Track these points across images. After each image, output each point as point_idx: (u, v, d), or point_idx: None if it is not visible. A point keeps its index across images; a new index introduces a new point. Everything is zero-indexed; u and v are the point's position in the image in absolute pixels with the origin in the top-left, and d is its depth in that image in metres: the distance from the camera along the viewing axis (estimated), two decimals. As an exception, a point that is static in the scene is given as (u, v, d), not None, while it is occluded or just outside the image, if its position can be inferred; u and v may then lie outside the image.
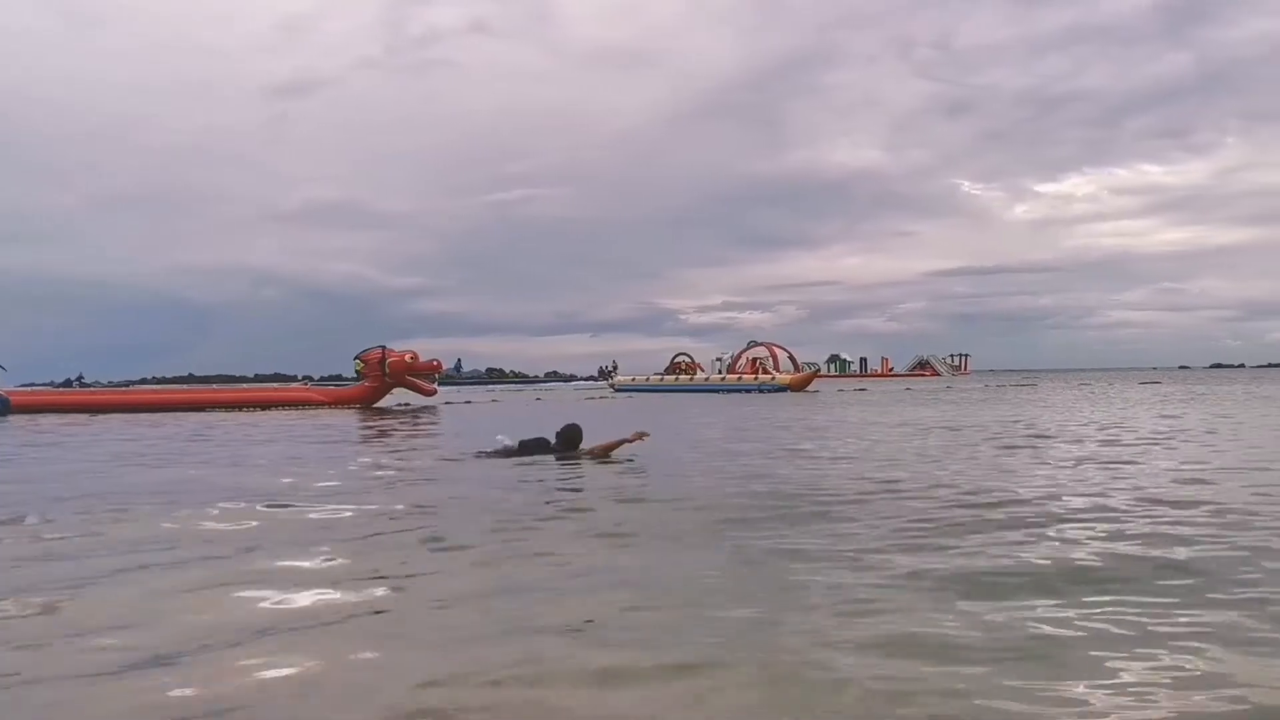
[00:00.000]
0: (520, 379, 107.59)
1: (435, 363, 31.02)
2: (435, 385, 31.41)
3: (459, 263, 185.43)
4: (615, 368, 55.80)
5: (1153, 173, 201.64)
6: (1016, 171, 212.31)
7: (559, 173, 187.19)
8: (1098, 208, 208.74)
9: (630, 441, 9.42)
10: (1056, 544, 4.91)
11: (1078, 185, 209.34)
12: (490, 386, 75.61)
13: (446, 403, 30.76)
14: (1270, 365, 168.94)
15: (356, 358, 29.21)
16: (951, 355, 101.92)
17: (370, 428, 17.80)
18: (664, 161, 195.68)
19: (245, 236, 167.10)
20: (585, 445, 9.66)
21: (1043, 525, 5.45)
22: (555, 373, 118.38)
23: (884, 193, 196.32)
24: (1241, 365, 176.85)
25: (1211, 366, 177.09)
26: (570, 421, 10.04)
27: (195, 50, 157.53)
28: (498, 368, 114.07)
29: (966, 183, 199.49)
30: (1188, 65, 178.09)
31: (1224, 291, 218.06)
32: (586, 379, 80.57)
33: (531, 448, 9.58)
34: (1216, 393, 30.07)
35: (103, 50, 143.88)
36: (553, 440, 9.67)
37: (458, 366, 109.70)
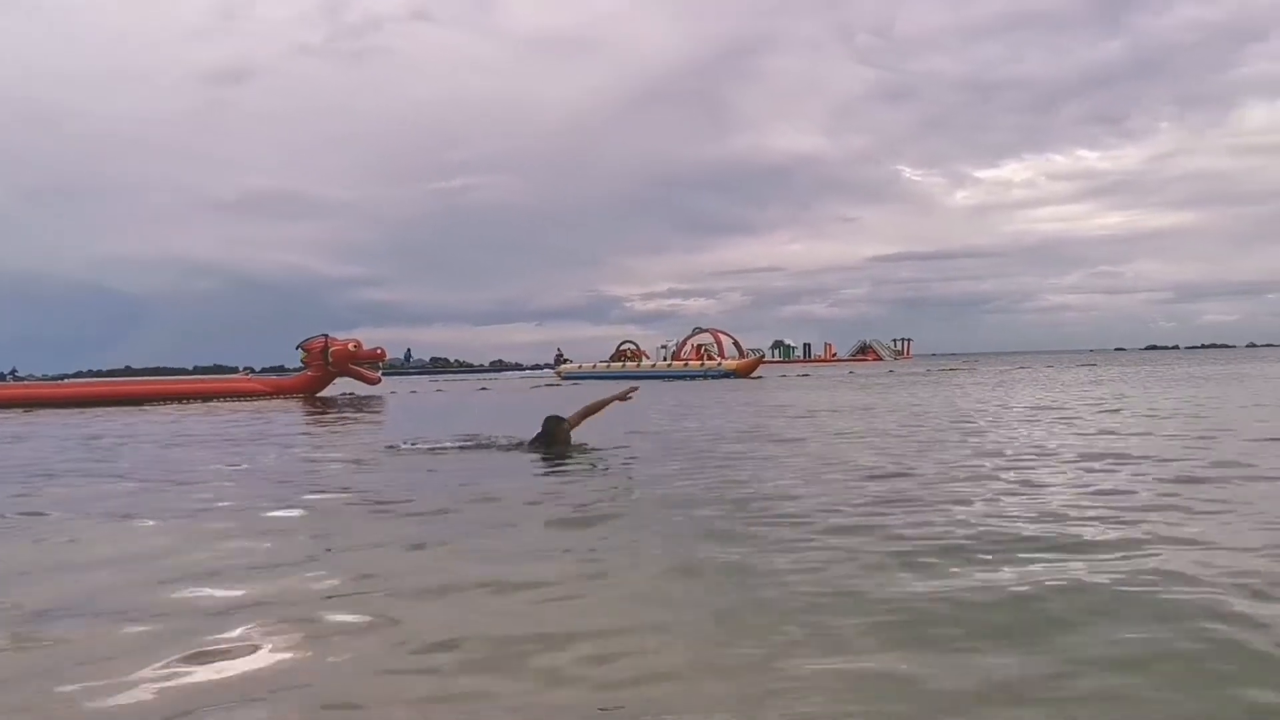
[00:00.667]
0: (465, 368, 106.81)
1: (379, 351, 30.80)
2: (380, 374, 31.19)
3: (401, 251, 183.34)
4: (561, 356, 55.72)
5: (1088, 158, 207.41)
6: (956, 157, 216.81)
7: (502, 160, 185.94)
8: (1035, 193, 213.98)
9: (620, 400, 9.15)
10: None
11: (1016, 171, 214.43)
12: (434, 376, 75.00)
13: (391, 392, 30.57)
14: (1203, 346, 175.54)
15: (299, 346, 28.87)
16: (895, 340, 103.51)
17: (313, 418, 17.69)
18: (607, 148, 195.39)
19: (181, 226, 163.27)
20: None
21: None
22: (500, 361, 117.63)
23: (826, 178, 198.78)
24: (1176, 347, 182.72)
25: (1147, 348, 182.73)
26: (550, 414, 9.17)
27: (128, 36, 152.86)
28: (442, 357, 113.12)
29: (907, 169, 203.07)
30: (1121, 52, 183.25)
31: (1158, 274, 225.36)
32: (533, 367, 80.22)
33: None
34: (1131, 374, 31.19)
35: (32, 37, 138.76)
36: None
37: (407, 356, 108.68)
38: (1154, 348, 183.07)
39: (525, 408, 19.07)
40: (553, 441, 8.66)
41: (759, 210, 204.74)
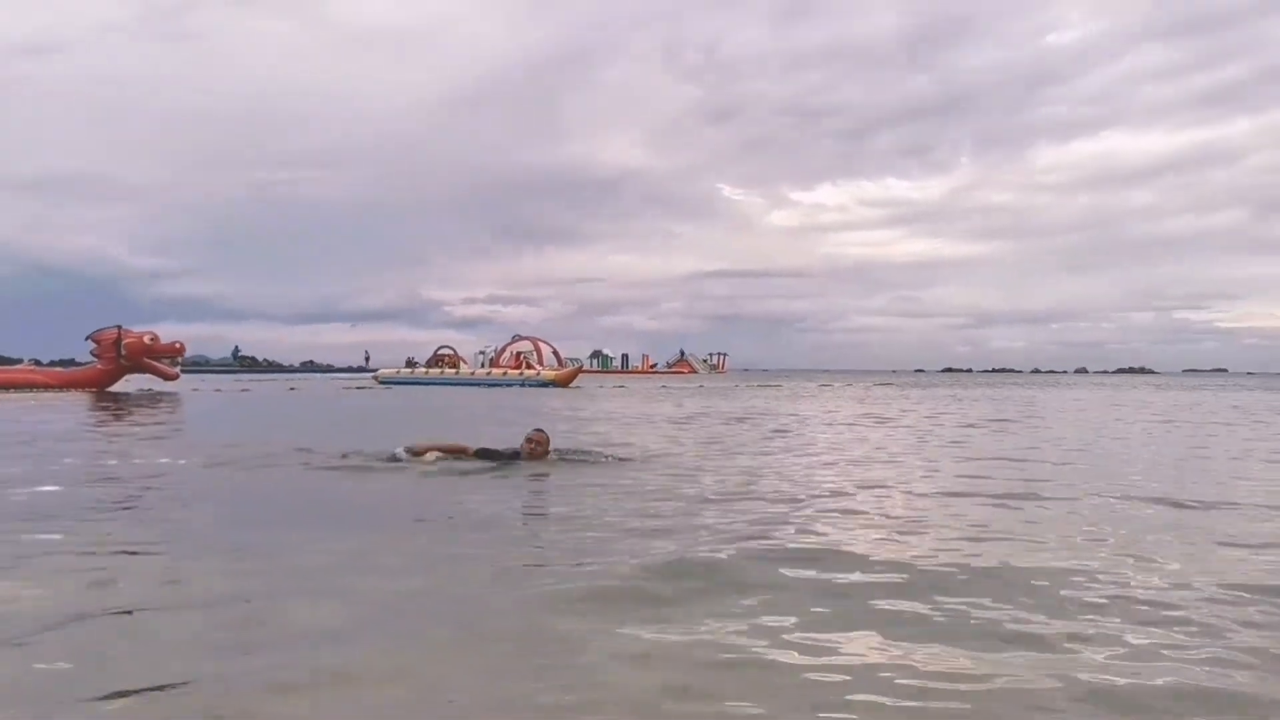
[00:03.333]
0: (274, 368, 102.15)
1: (177, 345, 29.51)
2: (178, 370, 29.85)
3: (213, 243, 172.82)
4: (369, 358, 54.55)
5: (897, 187, 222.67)
6: (775, 179, 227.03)
7: (326, 155, 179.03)
8: (847, 217, 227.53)
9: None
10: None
11: (830, 195, 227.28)
12: (240, 375, 71.56)
13: (194, 390, 29.34)
14: (994, 370, 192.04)
15: (89, 337, 27.28)
16: (711, 354, 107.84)
17: (93, 416, 17.01)
18: (436, 148, 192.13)
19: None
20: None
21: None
22: (312, 362, 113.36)
23: (651, 193, 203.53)
24: (970, 370, 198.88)
25: (944, 370, 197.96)
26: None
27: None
28: (249, 356, 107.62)
29: (728, 187, 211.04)
30: (930, 88, 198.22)
31: (956, 301, 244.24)
32: (345, 370, 77.92)
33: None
34: (911, 395, 34.35)
35: None
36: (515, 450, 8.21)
37: (235, 354, 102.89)
38: (951, 370, 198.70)
39: (330, 414, 19.02)
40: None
41: (584, 220, 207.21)
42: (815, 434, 12.78)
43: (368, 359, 54.23)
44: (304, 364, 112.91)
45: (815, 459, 9.15)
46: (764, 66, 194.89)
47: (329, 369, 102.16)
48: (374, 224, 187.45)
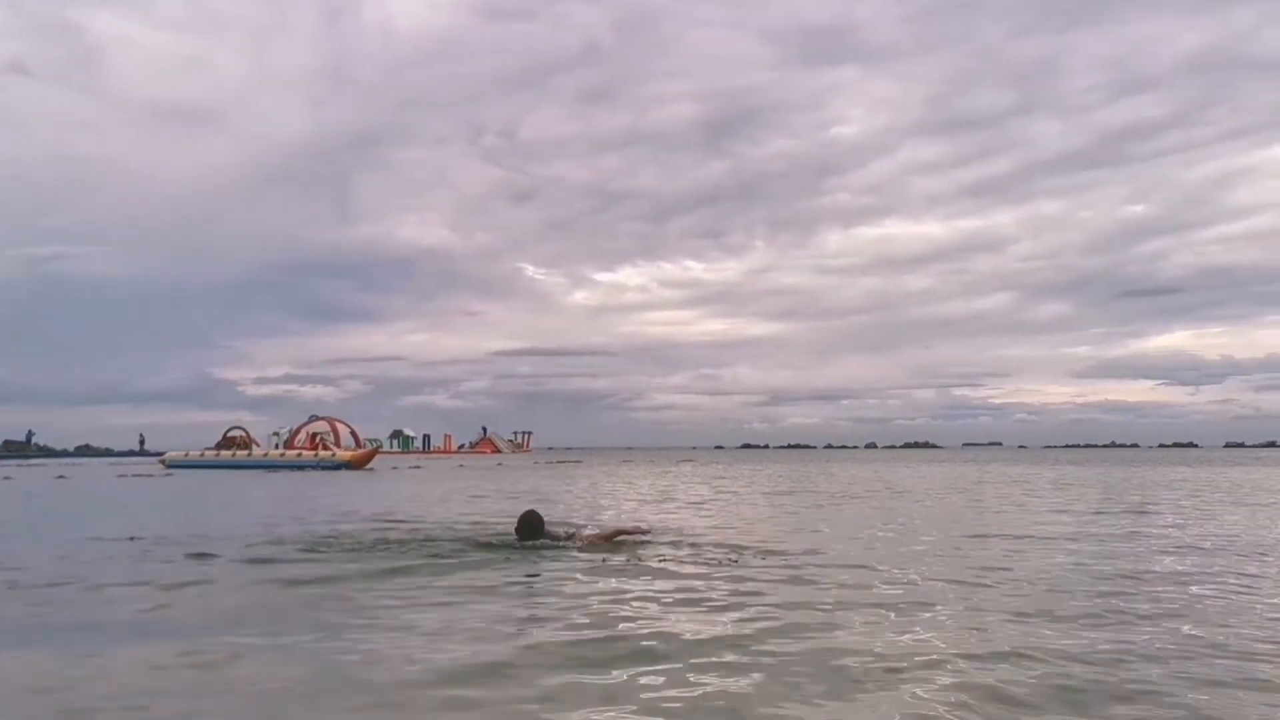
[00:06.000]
0: (45, 452, 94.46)
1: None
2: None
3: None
4: (143, 440, 52.18)
5: (694, 269, 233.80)
6: (577, 259, 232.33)
7: (105, 230, 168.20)
8: (648, 297, 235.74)
9: (630, 533, 9.53)
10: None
11: (631, 276, 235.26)
12: (4, 461, 66.20)
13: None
14: (790, 446, 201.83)
15: None
16: (516, 432, 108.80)
17: None
18: (224, 226, 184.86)
19: None
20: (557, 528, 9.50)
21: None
22: (89, 446, 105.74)
23: (451, 272, 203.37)
24: (767, 446, 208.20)
25: (742, 446, 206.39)
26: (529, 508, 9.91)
27: None
28: (16, 439, 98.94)
29: (530, 267, 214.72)
30: (724, 174, 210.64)
31: (752, 379, 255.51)
32: (126, 453, 73.52)
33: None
34: (702, 473, 37.27)
35: None
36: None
37: (28, 438, 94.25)
38: (749, 446, 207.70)
39: (106, 499, 19.13)
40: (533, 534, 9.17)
41: (382, 299, 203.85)
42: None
43: (142, 442, 51.67)
44: (79, 448, 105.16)
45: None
46: (564, 150, 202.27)
47: (108, 452, 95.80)
48: (160, 301, 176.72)
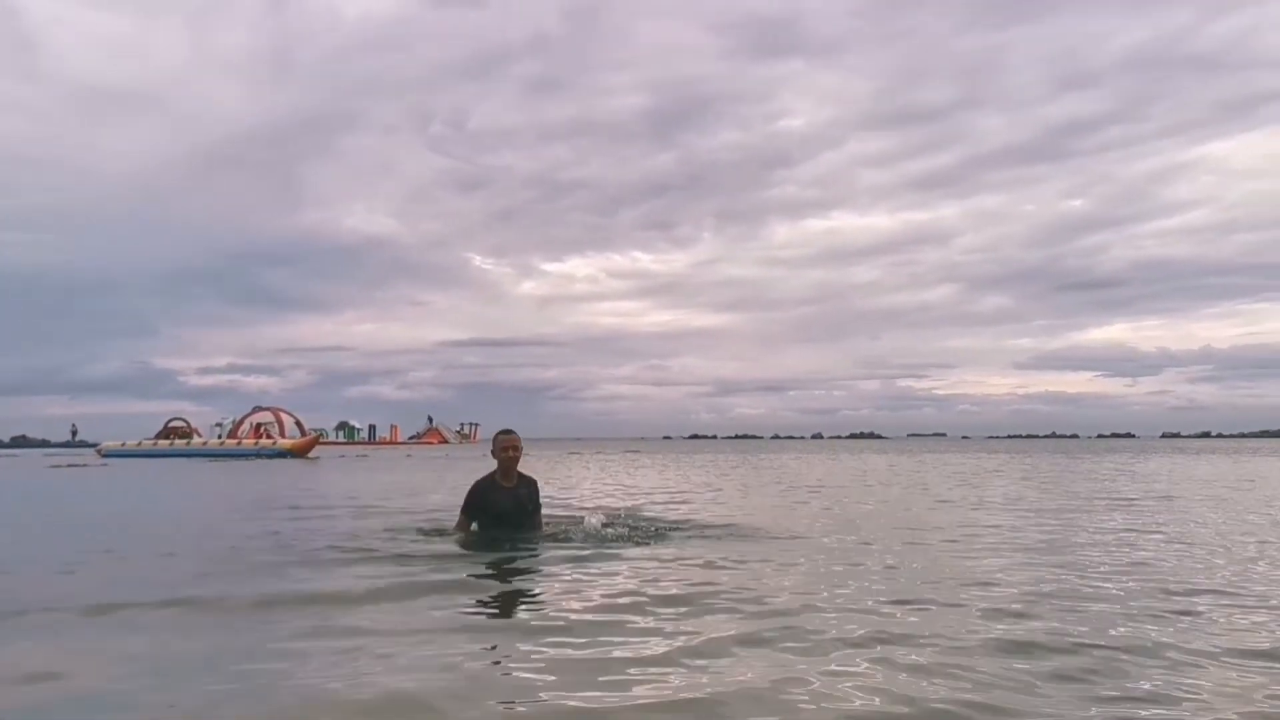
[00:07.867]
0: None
1: None
2: None
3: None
4: (75, 431, 51.26)
5: (643, 260, 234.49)
6: (525, 249, 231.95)
7: (40, 217, 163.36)
8: (597, 288, 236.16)
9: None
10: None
11: (579, 266, 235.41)
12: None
13: None
14: (737, 436, 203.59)
15: None
16: (463, 423, 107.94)
17: None
18: (166, 212, 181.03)
19: None
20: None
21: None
22: (24, 437, 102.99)
23: (398, 261, 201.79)
24: (714, 436, 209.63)
25: (690, 437, 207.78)
26: None
27: None
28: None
29: (478, 257, 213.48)
30: (673, 166, 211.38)
31: (700, 369, 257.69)
32: (63, 444, 71.78)
33: None
34: (646, 461, 37.39)
35: None
36: None
37: (74, 432, 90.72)
38: (697, 436, 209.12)
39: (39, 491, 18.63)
40: None
41: (328, 288, 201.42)
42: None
43: (75, 432, 50.73)
44: (14, 439, 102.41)
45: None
46: (512, 139, 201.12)
47: (44, 444, 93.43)
48: (97, 290, 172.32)
